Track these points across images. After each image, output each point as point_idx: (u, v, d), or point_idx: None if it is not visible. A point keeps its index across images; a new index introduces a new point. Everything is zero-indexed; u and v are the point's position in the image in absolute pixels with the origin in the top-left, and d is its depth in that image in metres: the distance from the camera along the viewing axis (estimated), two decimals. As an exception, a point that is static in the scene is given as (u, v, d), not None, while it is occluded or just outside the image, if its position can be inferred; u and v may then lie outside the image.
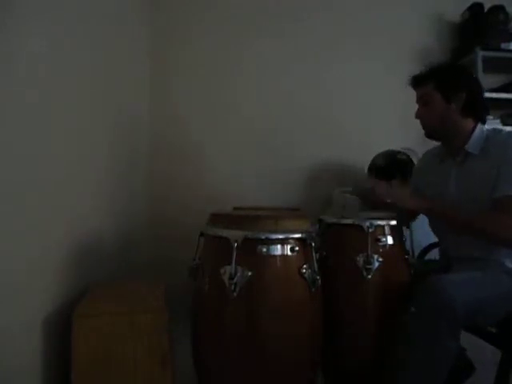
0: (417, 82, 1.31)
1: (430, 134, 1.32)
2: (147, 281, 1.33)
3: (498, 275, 1.13)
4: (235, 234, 1.00)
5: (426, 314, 1.01)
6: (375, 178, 2.06)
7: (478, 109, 1.26)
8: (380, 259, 1.22)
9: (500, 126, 2.23)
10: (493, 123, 2.23)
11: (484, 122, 1.27)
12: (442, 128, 1.27)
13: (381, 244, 1.25)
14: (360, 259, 1.21)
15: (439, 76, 1.26)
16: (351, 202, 1.55)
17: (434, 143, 1.39)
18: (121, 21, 1.68)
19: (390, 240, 1.27)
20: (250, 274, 0.99)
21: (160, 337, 0.99)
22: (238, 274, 0.98)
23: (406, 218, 1.33)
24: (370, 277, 1.20)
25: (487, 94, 2.18)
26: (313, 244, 1.06)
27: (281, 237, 1.02)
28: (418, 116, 1.31)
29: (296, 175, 2.24)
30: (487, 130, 1.24)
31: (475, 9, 2.29)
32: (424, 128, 1.32)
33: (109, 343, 0.96)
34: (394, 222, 1.28)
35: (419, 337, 1.01)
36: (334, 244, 1.30)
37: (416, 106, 1.33)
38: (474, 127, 1.24)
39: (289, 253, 1.03)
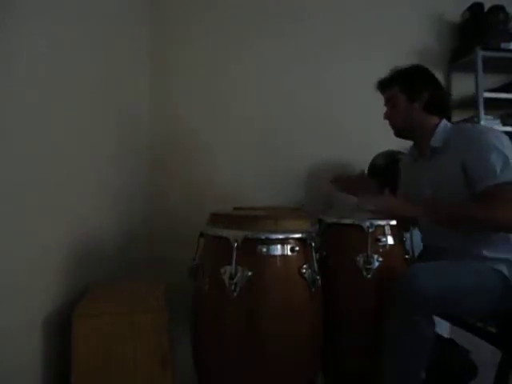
0: (383, 86, 1.42)
1: (398, 133, 1.40)
2: (147, 281, 1.33)
3: (478, 266, 1.13)
4: (235, 234, 1.00)
5: (397, 301, 1.06)
6: (375, 178, 2.06)
7: (441, 106, 1.32)
8: (380, 259, 1.22)
9: (500, 127, 2.23)
10: (493, 123, 2.23)
11: (449, 119, 1.33)
12: (407, 126, 1.35)
13: (381, 244, 1.25)
14: (360, 259, 1.21)
15: (402, 79, 1.34)
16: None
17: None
18: (121, 21, 1.68)
19: (390, 240, 1.27)
20: (250, 273, 0.99)
21: (160, 337, 0.99)
22: (238, 274, 0.98)
23: (407, 223, 1.35)
24: (369, 277, 1.20)
25: (487, 94, 2.19)
26: (313, 244, 1.06)
27: (281, 237, 1.02)
28: (385, 117, 1.41)
29: (296, 175, 2.24)
30: (452, 125, 1.30)
31: (475, 9, 2.29)
32: (392, 128, 1.40)
33: (109, 343, 0.96)
34: (394, 222, 1.28)
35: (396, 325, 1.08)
36: (334, 244, 1.30)
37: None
38: (438, 124, 1.29)
39: (289, 253, 1.03)
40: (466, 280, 1.08)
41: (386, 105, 1.42)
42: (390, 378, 1.07)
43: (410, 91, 1.32)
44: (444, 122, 1.30)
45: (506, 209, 1.08)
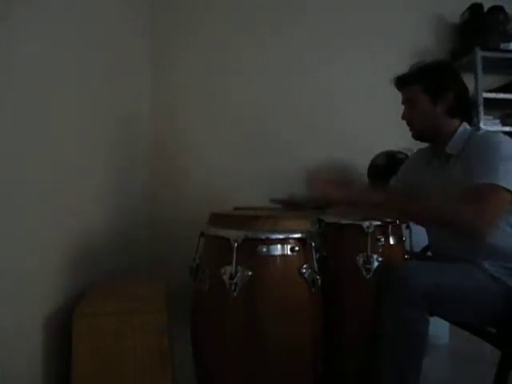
0: (402, 83, 1.29)
1: (417, 136, 1.30)
2: (147, 281, 1.33)
3: (476, 270, 1.11)
4: (235, 234, 1.00)
5: (385, 295, 1.07)
6: (375, 178, 2.06)
7: (464, 108, 1.24)
8: (380, 259, 1.22)
9: (499, 127, 2.24)
10: (492, 123, 2.24)
11: (470, 121, 1.26)
12: (429, 130, 1.25)
13: (381, 244, 1.25)
14: (360, 259, 1.21)
15: (426, 77, 1.23)
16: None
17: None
18: (121, 21, 1.69)
19: (389, 240, 1.27)
20: (250, 273, 0.99)
21: (160, 337, 0.99)
22: (238, 274, 0.98)
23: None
24: (369, 277, 1.20)
25: (487, 95, 2.19)
26: (313, 244, 1.06)
27: (281, 237, 1.02)
28: (404, 118, 1.30)
29: (296, 175, 2.23)
30: (470, 130, 1.22)
31: (475, 9, 2.29)
32: (411, 130, 1.30)
33: (109, 343, 0.96)
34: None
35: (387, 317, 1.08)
36: (334, 244, 1.30)
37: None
38: (458, 128, 1.22)
39: (289, 253, 1.03)
40: (456, 279, 1.07)
41: (404, 104, 1.29)
42: (389, 377, 1.07)
43: (434, 92, 1.21)
44: (464, 126, 1.22)
45: (479, 210, 1.02)
